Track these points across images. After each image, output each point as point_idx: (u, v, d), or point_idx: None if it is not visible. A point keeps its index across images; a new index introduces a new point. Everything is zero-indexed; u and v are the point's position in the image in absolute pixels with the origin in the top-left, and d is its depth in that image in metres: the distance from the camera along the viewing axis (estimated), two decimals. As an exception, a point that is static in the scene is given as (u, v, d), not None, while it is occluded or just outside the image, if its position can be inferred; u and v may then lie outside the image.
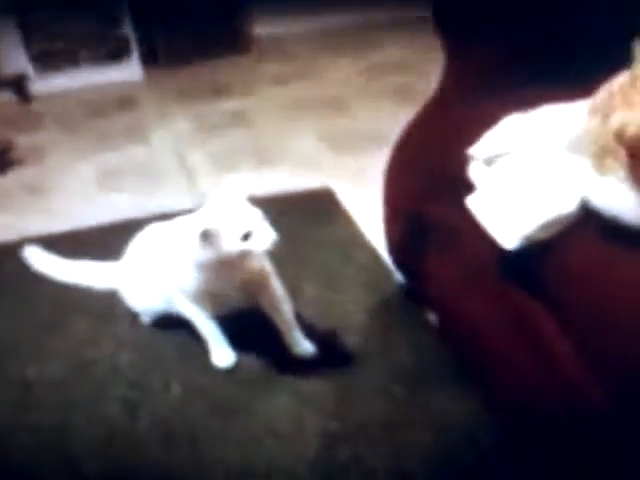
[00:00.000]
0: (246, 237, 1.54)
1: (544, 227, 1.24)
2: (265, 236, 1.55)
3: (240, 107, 3.38)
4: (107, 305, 1.96)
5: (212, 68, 3.87)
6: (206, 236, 1.53)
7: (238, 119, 3.25)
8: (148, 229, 1.83)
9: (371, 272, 2.07)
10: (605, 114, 1.17)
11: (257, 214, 1.56)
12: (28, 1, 3.58)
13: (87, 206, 2.63)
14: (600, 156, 1.13)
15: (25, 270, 2.13)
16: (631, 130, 1.03)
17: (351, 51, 3.85)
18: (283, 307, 1.76)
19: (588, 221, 1.21)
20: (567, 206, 1.22)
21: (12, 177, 2.92)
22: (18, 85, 3.61)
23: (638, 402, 1.05)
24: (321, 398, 1.65)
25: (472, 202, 1.40)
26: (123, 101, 3.58)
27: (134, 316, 1.91)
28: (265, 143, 2.99)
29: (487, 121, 1.46)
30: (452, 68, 1.73)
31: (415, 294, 1.89)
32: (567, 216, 1.22)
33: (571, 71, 1.45)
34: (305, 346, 1.77)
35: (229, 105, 3.41)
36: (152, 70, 3.90)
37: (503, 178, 1.36)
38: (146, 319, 1.90)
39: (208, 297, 1.69)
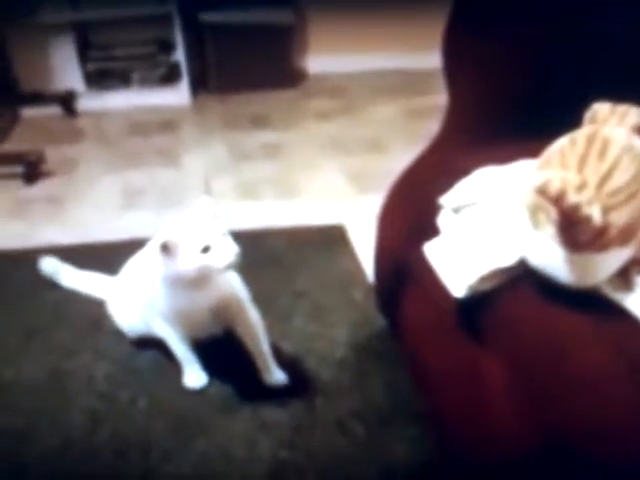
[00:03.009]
0: (205, 250, 1.58)
1: (485, 279, 1.27)
2: (226, 251, 1.59)
3: (277, 140, 3.46)
4: (97, 319, 2.06)
5: (259, 99, 3.96)
6: (166, 248, 1.58)
7: (272, 151, 3.33)
8: (145, 249, 1.89)
9: (362, 310, 2.12)
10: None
11: (220, 229, 1.61)
12: (86, 22, 3.75)
13: (106, 221, 2.75)
14: (533, 212, 1.16)
15: (32, 278, 2.27)
16: (554, 186, 1.07)
17: (400, 94, 3.92)
18: (257, 335, 1.82)
19: (528, 275, 1.24)
20: (506, 260, 1.26)
21: (39, 188, 3.06)
22: (66, 100, 3.78)
23: (565, 454, 1.07)
24: (279, 426, 1.72)
25: (429, 248, 1.45)
26: (166, 124, 3.71)
27: (119, 332, 2.00)
28: (292, 176, 3.06)
29: (467, 170, 1.51)
30: (450, 115, 1.78)
31: (394, 336, 1.91)
32: (506, 270, 1.26)
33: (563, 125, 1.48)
34: (277, 376, 1.83)
35: (267, 137, 3.50)
36: (200, 96, 4.02)
37: (461, 227, 1.41)
38: (130, 336, 1.97)
39: (181, 319, 1.76)
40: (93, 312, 2.08)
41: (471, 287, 1.28)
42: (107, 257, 2.24)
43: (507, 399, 1.25)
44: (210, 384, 1.85)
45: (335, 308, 2.14)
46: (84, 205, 2.91)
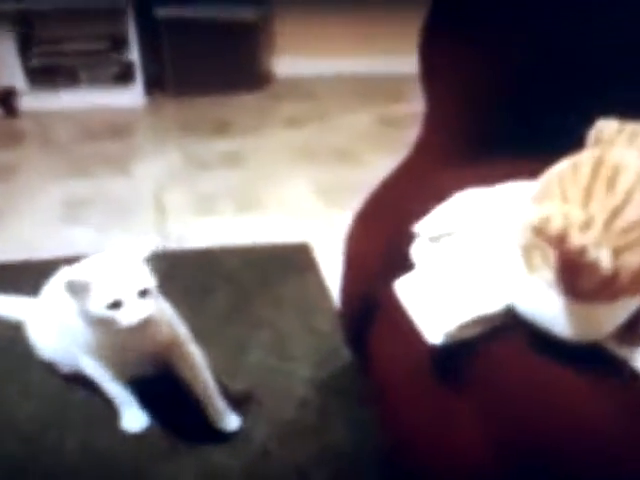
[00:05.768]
0: (115, 305, 1.48)
1: (465, 327, 1.17)
2: (137, 312, 1.49)
3: (239, 147, 3.38)
4: (24, 349, 1.92)
5: (221, 102, 3.87)
6: (72, 288, 1.49)
7: (233, 160, 3.25)
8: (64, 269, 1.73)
9: (327, 341, 2.03)
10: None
11: (143, 286, 1.51)
12: (30, 13, 3.63)
13: (44, 236, 2.63)
14: (528, 252, 1.06)
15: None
16: (554, 225, 0.96)
17: (372, 99, 3.86)
18: (201, 378, 1.72)
19: (517, 324, 1.15)
20: (491, 306, 1.16)
21: (-31, 196, 2.92)
22: (5, 99, 3.67)
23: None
24: (230, 475, 1.63)
25: (400, 285, 1.34)
26: (117, 128, 3.60)
27: (51, 364, 1.87)
28: (254, 188, 2.98)
29: (446, 192, 1.42)
30: (427, 126, 1.69)
31: (362, 373, 1.83)
32: (490, 318, 1.16)
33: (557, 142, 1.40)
34: (228, 420, 1.74)
35: (228, 144, 3.42)
36: (156, 98, 3.93)
37: (439, 262, 1.30)
38: (63, 369, 1.85)
39: (109, 358, 1.66)
40: (19, 342, 1.93)
41: (449, 335, 1.18)
42: (42, 276, 2.11)
43: (483, 453, 1.17)
44: (151, 426, 1.74)
45: (297, 339, 2.06)
46: (20, 217, 2.78)
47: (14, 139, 3.51)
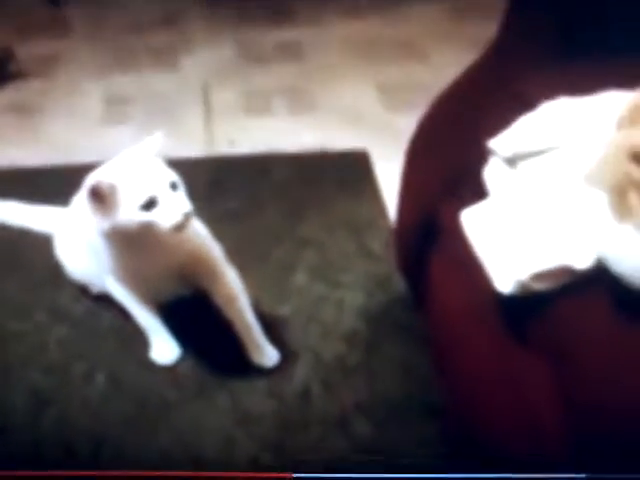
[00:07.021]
0: (149, 206, 1.37)
1: (542, 276, 1.05)
2: (175, 209, 1.38)
3: (298, 38, 3.21)
4: (53, 267, 1.83)
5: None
6: (97, 195, 1.37)
7: (291, 53, 3.10)
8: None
9: (381, 266, 1.91)
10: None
11: (172, 179, 1.41)
12: None
13: (81, 137, 2.53)
14: (619, 192, 0.91)
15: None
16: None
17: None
18: (237, 304, 1.63)
19: (601, 277, 1.01)
20: (578, 257, 1.02)
21: (5, 93, 2.84)
22: (49, -16, 3.52)
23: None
24: (263, 421, 1.53)
25: (468, 217, 1.21)
26: (169, 15, 3.46)
27: (81, 285, 1.80)
28: (311, 86, 2.83)
29: (529, 101, 1.27)
30: (510, 17, 1.49)
31: (417, 305, 1.70)
32: (574, 270, 1.03)
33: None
34: (266, 355, 1.64)
35: (287, 34, 3.25)
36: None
37: (518, 192, 1.16)
38: (93, 291, 1.77)
39: (136, 279, 1.57)
40: (50, 259, 1.85)
41: (521, 284, 1.06)
42: (76, 184, 2.03)
43: (549, 412, 1.10)
44: (183, 358, 1.66)
45: (347, 262, 1.94)
46: (56, 116, 2.69)
47: (57, 29, 3.39)
